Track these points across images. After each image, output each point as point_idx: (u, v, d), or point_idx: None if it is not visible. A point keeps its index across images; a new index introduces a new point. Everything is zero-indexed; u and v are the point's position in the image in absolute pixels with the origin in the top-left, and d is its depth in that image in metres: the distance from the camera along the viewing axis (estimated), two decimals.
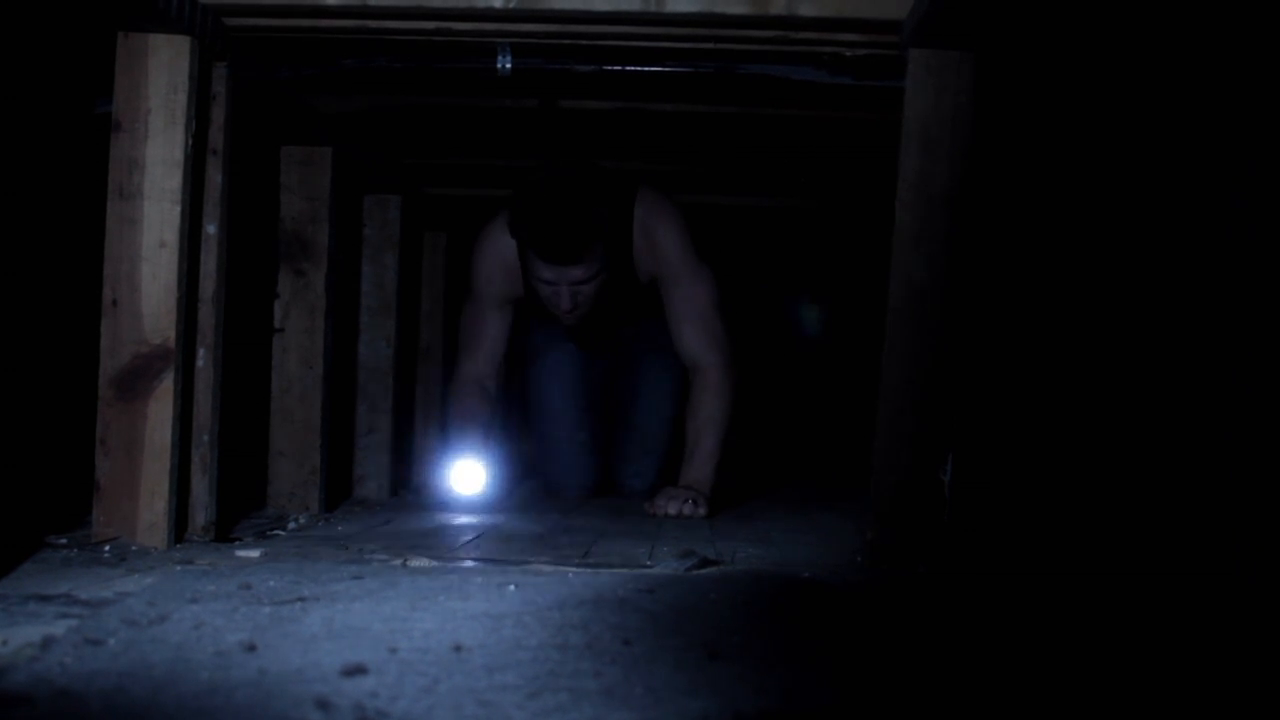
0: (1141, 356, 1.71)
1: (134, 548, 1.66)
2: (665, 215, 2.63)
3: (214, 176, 1.81)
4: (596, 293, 2.59)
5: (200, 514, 1.81)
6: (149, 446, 1.69)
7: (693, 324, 2.60)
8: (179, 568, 1.50)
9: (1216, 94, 1.50)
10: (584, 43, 1.90)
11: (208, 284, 1.81)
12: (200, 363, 1.80)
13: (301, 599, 1.25)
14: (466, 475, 2.50)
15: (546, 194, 2.46)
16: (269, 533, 1.98)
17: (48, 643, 1.03)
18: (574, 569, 1.58)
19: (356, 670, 0.95)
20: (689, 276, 2.61)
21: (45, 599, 1.27)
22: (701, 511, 2.38)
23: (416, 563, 1.60)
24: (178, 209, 1.70)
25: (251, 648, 1.02)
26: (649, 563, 1.68)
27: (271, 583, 1.36)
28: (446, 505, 2.49)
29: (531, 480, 3.16)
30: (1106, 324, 1.76)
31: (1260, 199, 1.34)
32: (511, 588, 1.35)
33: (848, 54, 1.87)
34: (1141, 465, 1.67)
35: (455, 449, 2.60)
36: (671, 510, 2.38)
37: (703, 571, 1.57)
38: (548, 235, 2.46)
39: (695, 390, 2.58)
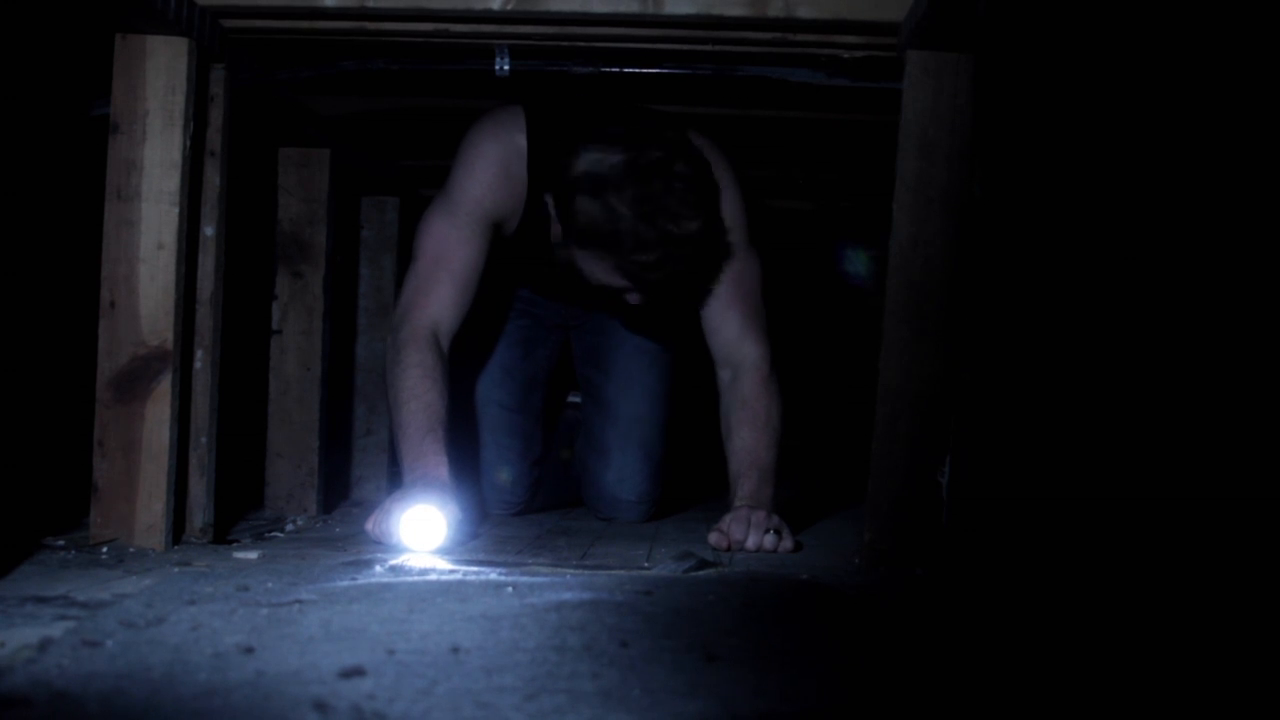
0: (1140, 358, 1.71)
1: (132, 549, 1.66)
2: (728, 181, 2.09)
3: (212, 178, 1.81)
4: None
5: (198, 515, 1.81)
6: (147, 448, 1.69)
7: (741, 310, 2.09)
8: (177, 569, 1.50)
9: (1215, 99, 1.50)
10: (582, 44, 1.90)
11: (205, 285, 1.81)
12: (198, 364, 1.80)
13: (299, 601, 1.25)
14: (422, 525, 1.74)
15: (656, 197, 1.83)
16: (267, 534, 1.98)
17: (45, 644, 1.03)
18: (572, 571, 1.58)
19: (354, 672, 0.95)
20: (743, 253, 2.09)
21: (43, 601, 1.27)
22: (788, 545, 1.84)
23: (414, 564, 1.60)
24: (175, 211, 1.70)
25: (249, 649, 1.02)
26: (647, 564, 1.68)
27: (269, 584, 1.36)
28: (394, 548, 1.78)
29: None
30: (1105, 326, 1.76)
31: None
32: (509, 589, 1.35)
33: (846, 56, 1.87)
34: (1140, 467, 1.67)
35: (404, 469, 1.88)
36: (750, 544, 1.83)
37: (700, 573, 1.57)
38: (649, 264, 1.86)
39: (743, 390, 2.06)
